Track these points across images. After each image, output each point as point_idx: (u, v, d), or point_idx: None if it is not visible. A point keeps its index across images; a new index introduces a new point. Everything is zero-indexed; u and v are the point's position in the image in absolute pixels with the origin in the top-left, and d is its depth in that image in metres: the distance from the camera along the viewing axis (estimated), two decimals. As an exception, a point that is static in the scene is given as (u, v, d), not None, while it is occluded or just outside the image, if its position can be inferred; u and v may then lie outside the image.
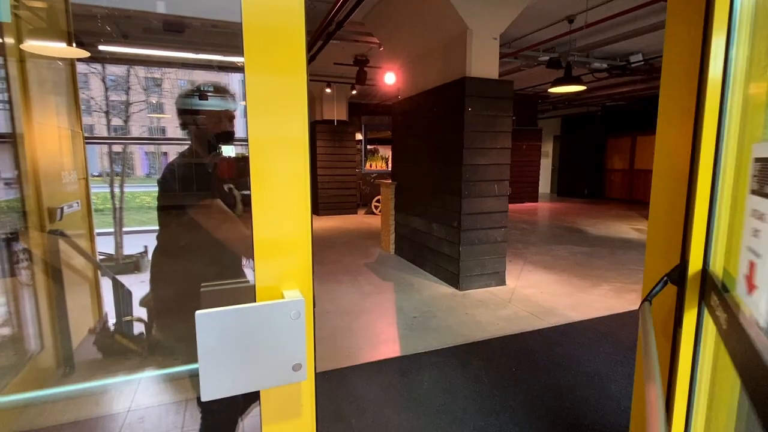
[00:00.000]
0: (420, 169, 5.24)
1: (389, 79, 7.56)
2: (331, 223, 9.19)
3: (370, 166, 10.45)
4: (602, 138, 14.15)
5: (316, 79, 9.37)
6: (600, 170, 14.27)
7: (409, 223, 5.60)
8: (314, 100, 10.38)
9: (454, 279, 4.50)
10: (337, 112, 10.23)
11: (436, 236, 4.83)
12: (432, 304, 4.05)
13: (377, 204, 10.31)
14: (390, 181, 6.13)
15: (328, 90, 9.39)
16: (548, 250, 6.32)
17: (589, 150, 14.50)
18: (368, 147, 10.86)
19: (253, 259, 0.60)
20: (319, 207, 10.29)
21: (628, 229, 8.25)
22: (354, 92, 9.70)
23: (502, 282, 4.61)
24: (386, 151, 11.10)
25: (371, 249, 6.51)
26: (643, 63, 7.87)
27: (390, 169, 10.32)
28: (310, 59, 6.75)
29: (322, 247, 6.74)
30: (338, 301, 4.13)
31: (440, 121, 4.70)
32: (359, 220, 9.56)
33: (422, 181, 5.18)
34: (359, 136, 13.13)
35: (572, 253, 6.18)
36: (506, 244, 4.61)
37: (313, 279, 0.65)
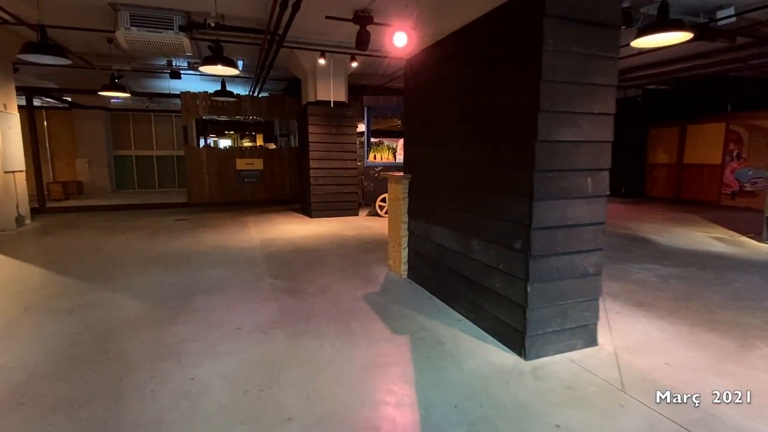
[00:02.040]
0: (449, 154, 3.40)
1: (399, 40, 5.69)
2: (324, 228, 7.36)
3: (375, 157, 8.65)
4: (642, 128, 12.20)
5: (305, 46, 7.52)
6: (640, 165, 12.33)
7: (429, 236, 3.77)
8: (305, 76, 8.53)
9: (513, 336, 2.66)
10: (334, 91, 8.38)
11: (480, 261, 2.99)
12: (483, 395, 2.21)
13: (382, 204, 8.48)
14: (401, 173, 4.31)
15: (321, 61, 7.55)
16: (623, 273, 4.45)
17: (626, 141, 12.53)
18: (374, 137, 9.08)
19: None
20: (311, 208, 8.46)
21: (705, 237, 6.36)
22: (354, 65, 7.85)
23: (593, 340, 2.76)
24: (395, 142, 9.27)
25: (375, 269, 4.67)
26: (734, 19, 5.96)
27: (401, 159, 8.51)
28: (294, 7, 4.91)
29: (309, 263, 4.92)
30: (314, 385, 2.30)
31: (490, 73, 2.85)
32: (360, 224, 7.73)
33: (453, 172, 3.34)
34: (361, 128, 11.27)
35: (660, 277, 4.32)
36: (600, 279, 2.75)
37: None
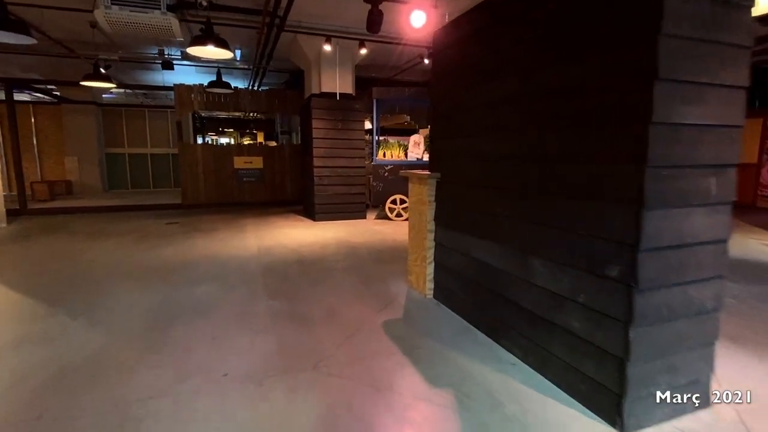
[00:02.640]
0: (495, 146, 2.66)
1: (417, 19, 4.96)
2: (330, 233, 6.61)
3: (384, 155, 7.92)
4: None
5: (308, 30, 6.78)
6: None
7: (465, 249, 3.02)
8: (309, 65, 7.79)
9: (603, 398, 1.92)
10: (340, 82, 7.64)
11: (544, 289, 2.24)
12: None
13: (393, 206, 7.74)
14: (424, 172, 3.58)
15: (327, 47, 6.81)
16: (692, 291, 3.69)
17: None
18: (380, 135, 8.30)
19: None
20: (314, 210, 7.72)
21: (759, 245, 5.60)
22: (363, 52, 7.10)
23: (706, 400, 2.01)
24: (405, 140, 8.52)
25: (392, 285, 3.93)
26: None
27: (419, 157, 7.79)
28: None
29: (313, 277, 4.19)
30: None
31: (565, 35, 2.11)
32: (370, 229, 6.98)
33: (502, 169, 2.60)
34: (368, 124, 10.48)
35: (738, 297, 3.56)
36: (719, 316, 2.01)
37: None
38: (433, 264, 3.54)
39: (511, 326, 2.53)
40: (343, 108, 7.66)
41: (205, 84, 8.28)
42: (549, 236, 2.21)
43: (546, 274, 2.23)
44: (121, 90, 13.14)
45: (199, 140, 17.19)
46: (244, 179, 9.88)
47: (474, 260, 2.91)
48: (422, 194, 3.53)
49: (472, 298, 2.97)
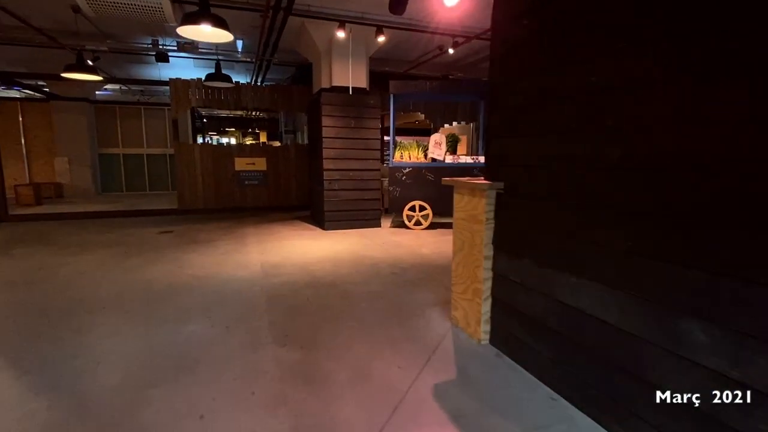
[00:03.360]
0: (613, 146, 1.85)
1: (451, -4, 4.17)
2: (343, 245, 5.81)
3: (402, 156, 7.12)
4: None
5: (318, 15, 5.99)
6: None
7: (547, 290, 2.22)
8: (318, 57, 6.99)
9: None
10: (353, 75, 6.84)
11: (716, 373, 1.43)
12: None
13: (410, 213, 6.93)
14: (477, 179, 2.78)
15: (340, 34, 6.01)
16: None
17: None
18: (395, 135, 7.44)
19: None
20: (324, 218, 6.92)
21: None
22: (381, 39, 6.29)
23: None
24: (423, 140, 7.71)
25: (432, 322, 3.13)
26: None
27: (440, 159, 6.91)
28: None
29: (331, 310, 3.40)
30: None
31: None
32: (388, 240, 6.18)
33: (622, 181, 1.79)
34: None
35: None
36: None
37: None
38: (490, 300, 2.73)
39: (641, 416, 1.71)
40: (356, 104, 6.86)
41: (204, 78, 7.49)
42: (721, 289, 1.40)
43: (714, 348, 1.42)
44: (117, 86, 12.41)
45: (199, 140, 16.43)
46: (246, 182, 9.09)
47: (564, 307, 2.10)
48: (476, 209, 2.73)
49: (561, 358, 2.15)
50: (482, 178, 2.93)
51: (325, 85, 6.95)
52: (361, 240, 6.16)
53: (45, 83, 10.81)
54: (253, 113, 17.04)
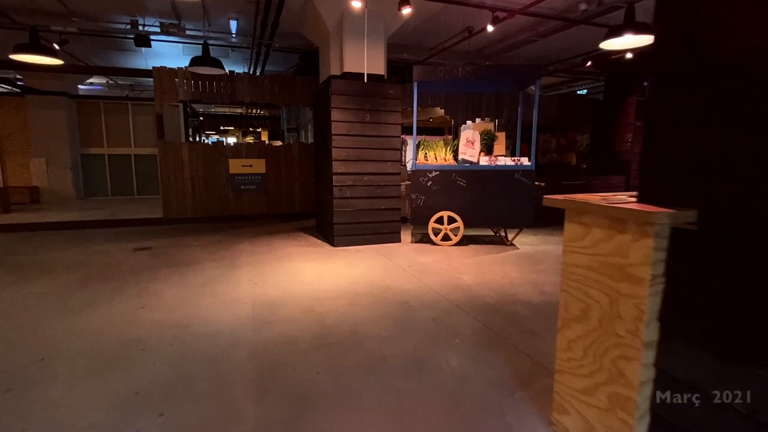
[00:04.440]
0: None
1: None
2: (357, 269, 4.60)
3: (426, 158, 5.93)
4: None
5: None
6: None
7: None
8: (326, 38, 5.80)
9: None
10: (368, 60, 5.65)
11: None
12: None
13: (437, 225, 5.73)
14: (629, 201, 1.57)
15: (356, 3, 4.81)
16: None
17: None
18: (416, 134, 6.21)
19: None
20: (333, 232, 5.73)
21: None
22: (407, 12, 5.07)
23: None
24: (454, 138, 6.49)
25: (511, 426, 1.91)
26: None
27: (473, 160, 5.63)
28: None
29: (351, 399, 2.22)
30: None
31: None
32: (413, 261, 4.97)
33: None
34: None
35: None
36: None
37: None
38: (648, 420, 1.52)
39: None
40: (372, 94, 5.66)
41: (189, 63, 6.31)
42: None
43: None
44: (104, 80, 11.29)
45: (197, 140, 15.27)
46: (242, 187, 7.91)
47: None
48: (624, 255, 1.52)
49: None
50: (623, 195, 1.72)
51: (335, 72, 5.76)
52: (379, 261, 4.95)
53: (21, 76, 9.69)
54: (254, 110, 15.89)
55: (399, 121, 5.87)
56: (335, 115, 5.50)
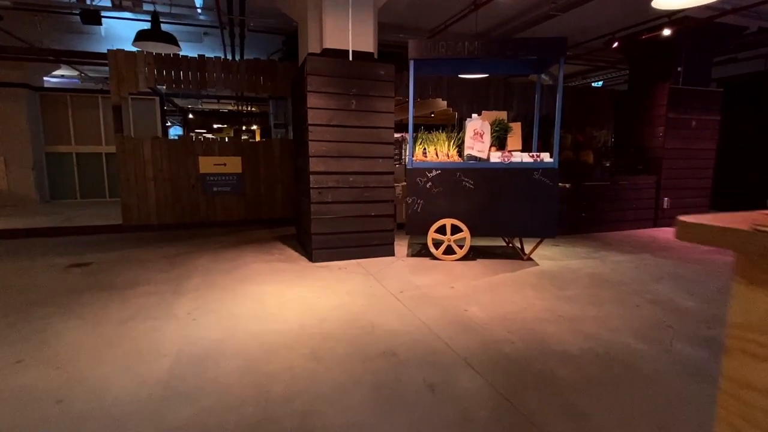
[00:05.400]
0: None
1: None
2: (333, 297, 3.55)
3: (425, 154, 4.90)
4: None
5: None
6: None
7: None
8: (305, 13, 4.78)
9: None
10: (355, 35, 4.62)
11: None
12: None
13: (438, 236, 4.69)
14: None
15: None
16: None
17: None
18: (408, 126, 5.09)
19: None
20: (311, 244, 4.70)
21: None
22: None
23: None
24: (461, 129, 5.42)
25: None
26: None
27: (482, 156, 4.56)
28: None
29: None
30: None
31: None
32: (406, 284, 3.92)
33: None
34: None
35: None
36: None
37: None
38: None
39: None
40: (358, 75, 4.63)
41: (165, 54, 5.29)
42: None
43: None
44: (75, 72, 10.31)
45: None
46: (215, 189, 6.89)
47: None
48: None
49: None
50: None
51: (314, 49, 4.74)
52: (365, 284, 3.91)
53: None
54: (245, 106, 14.87)
55: (392, 109, 4.83)
56: (312, 100, 4.47)
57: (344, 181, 4.69)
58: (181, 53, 6.41)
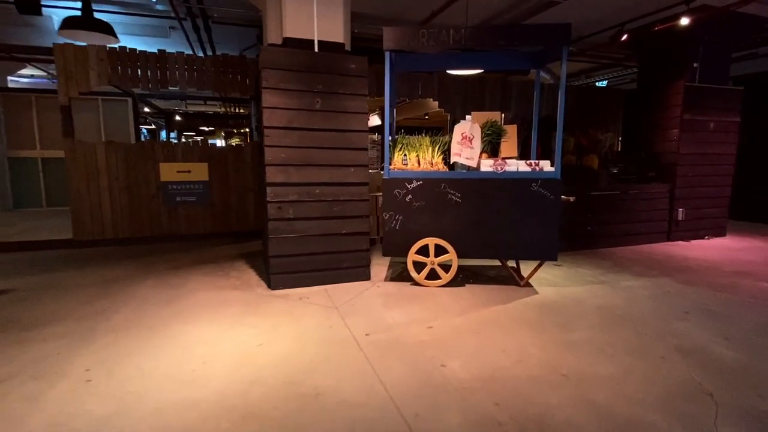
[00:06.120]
0: None
1: None
2: (277, 343, 2.84)
3: (405, 162, 4.21)
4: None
5: None
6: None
7: None
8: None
9: None
10: (320, 22, 3.94)
11: None
12: None
13: (420, 257, 3.99)
14: None
15: None
16: None
17: None
18: (392, 128, 4.38)
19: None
20: (270, 268, 4.01)
21: None
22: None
23: None
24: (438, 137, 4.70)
25: None
26: None
27: (470, 165, 3.84)
28: None
29: None
30: None
31: None
32: (377, 323, 3.21)
33: None
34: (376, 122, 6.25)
35: None
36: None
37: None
38: None
39: None
40: (325, 69, 3.93)
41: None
42: None
43: None
44: (44, 72, 9.67)
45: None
46: (178, 199, 6.19)
47: None
48: None
49: None
50: None
51: (274, 40, 4.05)
52: (324, 323, 3.20)
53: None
54: (233, 107, 14.21)
55: (365, 109, 4.13)
56: (269, 99, 3.77)
57: (309, 193, 3.99)
58: (142, 49, 5.73)
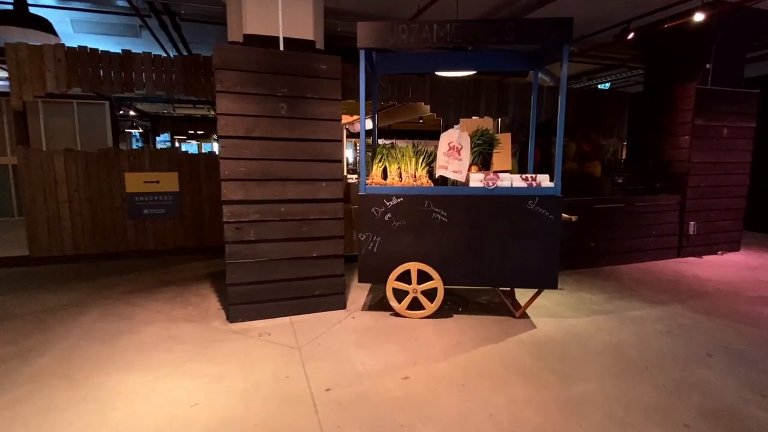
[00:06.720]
0: None
1: None
2: (216, 401, 2.32)
3: (384, 176, 3.72)
4: None
5: None
6: None
7: None
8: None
9: None
10: (287, 16, 3.45)
11: None
12: None
13: (401, 284, 3.49)
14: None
15: None
16: None
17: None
18: (373, 135, 3.85)
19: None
20: (228, 297, 3.51)
21: None
22: None
23: None
24: (422, 145, 4.19)
25: None
26: None
27: (455, 177, 3.39)
28: None
29: None
30: None
31: None
32: (344, 369, 2.70)
33: None
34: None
35: None
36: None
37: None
38: None
39: None
40: (292, 69, 3.43)
41: (83, 47, 4.11)
42: None
43: None
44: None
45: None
46: (146, 211, 5.70)
47: None
48: None
49: None
50: None
51: (234, 37, 3.56)
52: (280, 374, 2.69)
53: None
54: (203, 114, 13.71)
55: (338, 116, 3.63)
56: (224, 104, 3.28)
57: (273, 212, 3.49)
58: (114, 50, 5.25)
